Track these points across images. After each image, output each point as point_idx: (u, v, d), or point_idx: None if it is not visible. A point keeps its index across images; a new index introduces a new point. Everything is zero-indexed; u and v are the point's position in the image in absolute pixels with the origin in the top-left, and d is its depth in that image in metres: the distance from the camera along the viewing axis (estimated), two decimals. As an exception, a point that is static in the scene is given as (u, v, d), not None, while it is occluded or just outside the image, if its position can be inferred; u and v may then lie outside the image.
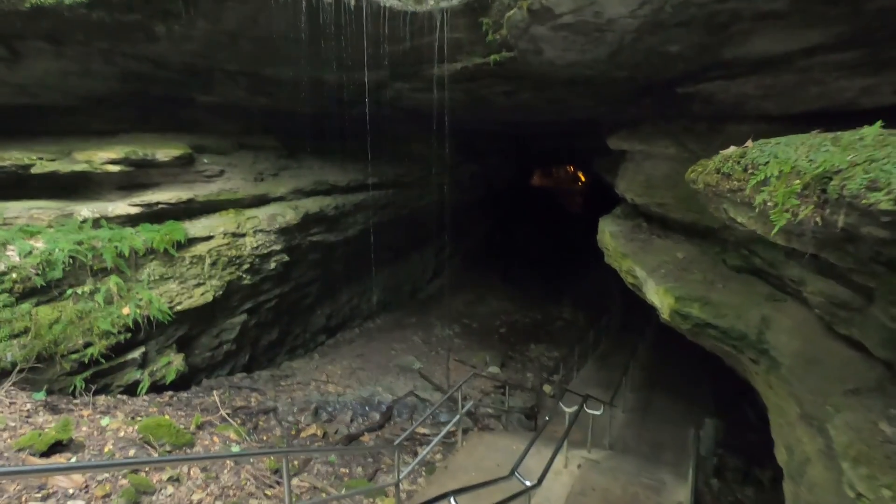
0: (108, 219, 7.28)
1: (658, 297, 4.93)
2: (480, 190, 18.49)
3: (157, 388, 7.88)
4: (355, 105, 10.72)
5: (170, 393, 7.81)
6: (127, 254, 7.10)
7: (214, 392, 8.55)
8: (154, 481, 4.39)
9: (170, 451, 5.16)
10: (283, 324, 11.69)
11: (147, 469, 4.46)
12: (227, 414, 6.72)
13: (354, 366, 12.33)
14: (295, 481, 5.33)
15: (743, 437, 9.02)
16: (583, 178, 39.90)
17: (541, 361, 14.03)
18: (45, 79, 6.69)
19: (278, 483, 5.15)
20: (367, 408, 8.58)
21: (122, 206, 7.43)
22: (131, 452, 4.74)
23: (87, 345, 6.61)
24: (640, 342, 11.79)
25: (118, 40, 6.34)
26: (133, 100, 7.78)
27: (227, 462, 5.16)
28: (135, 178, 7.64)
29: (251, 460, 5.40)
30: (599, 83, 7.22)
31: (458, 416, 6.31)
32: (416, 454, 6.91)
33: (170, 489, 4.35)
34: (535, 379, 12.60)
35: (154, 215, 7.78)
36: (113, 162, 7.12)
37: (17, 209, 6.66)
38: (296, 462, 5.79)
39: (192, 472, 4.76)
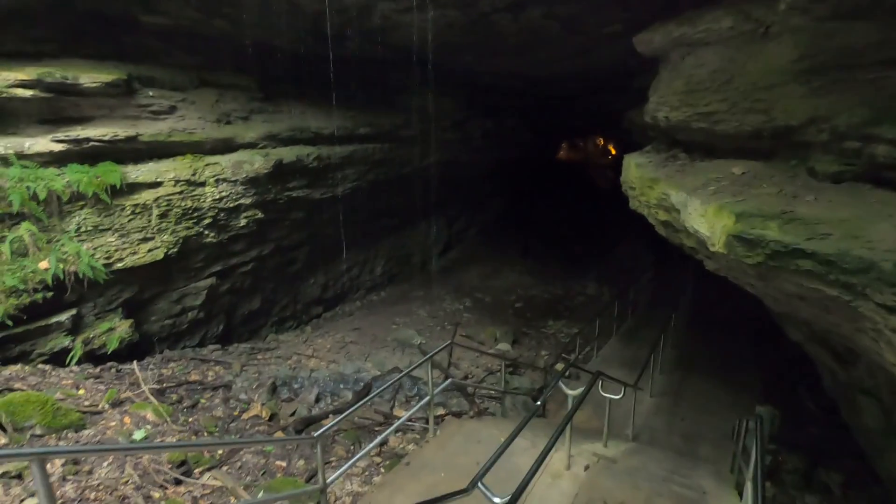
0: (26, 156, 6.08)
1: (706, 221, 3.29)
2: (495, 151, 16.79)
3: (97, 357, 6.77)
4: (342, 42, 9.26)
5: (112, 364, 6.67)
6: (43, 197, 5.91)
7: (169, 364, 7.44)
8: (-23, 479, 3.15)
9: (40, 436, 3.95)
10: (267, 292, 10.52)
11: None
12: (156, 389, 5.52)
13: (347, 339, 11.11)
14: (205, 478, 4.06)
15: (802, 430, 7.36)
16: (613, 152, 37.77)
17: (558, 338, 12.50)
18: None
19: (178, 481, 3.89)
20: (341, 385, 7.29)
21: (42, 143, 6.21)
22: (-35, 437, 3.53)
23: (-11, 303, 5.48)
24: (673, 316, 10.09)
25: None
26: (58, 15, 6.51)
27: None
28: (60, 109, 6.41)
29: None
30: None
31: (427, 398, 4.93)
32: (386, 443, 5.58)
33: (-7, 491, 3.11)
34: (550, 357, 11.12)
35: (86, 155, 6.54)
36: (23, 85, 5.88)
37: None
38: (220, 451, 4.52)
39: (50, 466, 3.52)
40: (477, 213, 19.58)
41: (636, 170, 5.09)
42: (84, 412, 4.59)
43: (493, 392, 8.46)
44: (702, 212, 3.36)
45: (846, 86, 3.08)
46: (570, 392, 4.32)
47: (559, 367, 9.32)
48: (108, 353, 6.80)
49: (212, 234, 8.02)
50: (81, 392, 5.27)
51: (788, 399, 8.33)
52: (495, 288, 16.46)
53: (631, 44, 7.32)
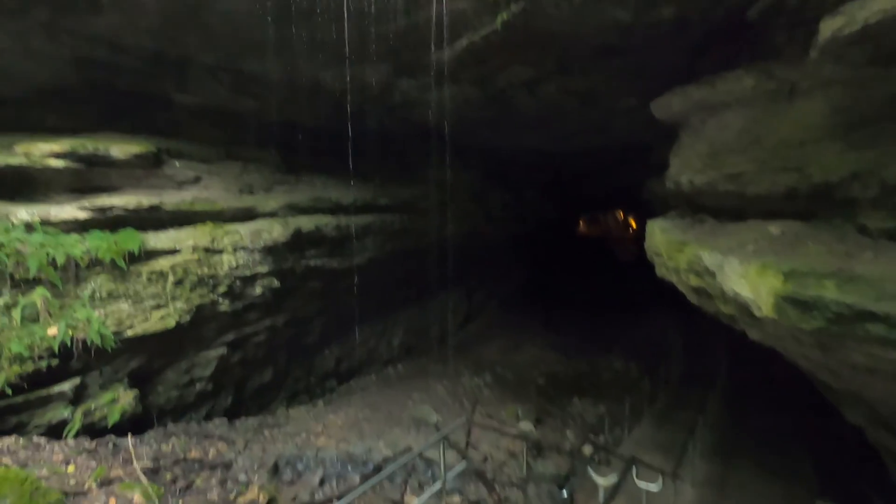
0: (51, 223, 6.19)
1: (748, 282, 2.95)
2: (514, 224, 16.83)
3: (96, 430, 6.44)
4: (364, 118, 9.66)
5: (109, 438, 6.32)
6: (61, 262, 5.92)
7: (171, 439, 7.05)
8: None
9: (12, 519, 3.60)
10: (280, 364, 10.21)
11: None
12: (149, 468, 5.14)
13: (361, 416, 10.54)
14: (187, 574, 3.59)
15: (871, 530, 6.42)
16: (634, 225, 37.94)
17: (584, 418, 11.67)
18: (-18, 59, 5.91)
19: (155, 577, 3.43)
20: (349, 467, 6.74)
21: (68, 210, 6.35)
22: (-72, 519, 3.22)
23: (-9, 371, 5.33)
24: (710, 395, 9.34)
25: (58, 10, 5.48)
26: (96, 94, 6.93)
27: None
28: (89, 179, 6.62)
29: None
30: (639, 42, 5.63)
31: (437, 483, 4.42)
32: (394, 536, 4.99)
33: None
34: (576, 439, 10.31)
35: (110, 223, 6.65)
36: (57, 155, 6.12)
37: (-63, 207, 5.70)
38: (207, 542, 4.07)
39: (15, 555, 3.15)
40: (497, 285, 19.32)
41: (661, 235, 4.86)
42: (66, 492, 4.24)
43: (514, 479, 7.74)
44: (742, 272, 3.05)
45: (892, 137, 2.87)
46: (600, 481, 3.82)
47: (586, 450, 8.57)
48: (109, 426, 6.48)
49: (226, 303, 7.91)
50: (71, 469, 4.93)
51: (850, 490, 7.38)
52: (517, 363, 15.81)
53: (647, 118, 7.36)
